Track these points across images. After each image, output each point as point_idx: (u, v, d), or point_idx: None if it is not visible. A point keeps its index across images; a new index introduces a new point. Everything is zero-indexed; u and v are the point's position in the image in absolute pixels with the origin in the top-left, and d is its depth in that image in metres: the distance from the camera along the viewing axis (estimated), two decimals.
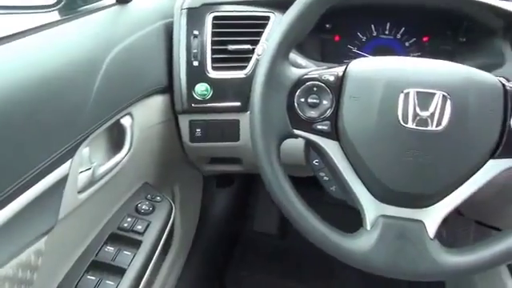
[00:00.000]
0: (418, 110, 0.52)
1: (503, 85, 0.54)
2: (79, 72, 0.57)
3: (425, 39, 0.89)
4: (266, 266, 1.33)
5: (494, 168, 0.54)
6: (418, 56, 0.89)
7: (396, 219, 0.55)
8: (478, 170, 0.54)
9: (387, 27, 0.89)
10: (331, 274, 1.22)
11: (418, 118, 0.52)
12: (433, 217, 0.55)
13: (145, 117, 0.73)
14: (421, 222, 0.55)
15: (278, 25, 0.55)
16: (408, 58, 0.58)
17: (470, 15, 0.80)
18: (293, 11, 0.54)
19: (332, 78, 0.56)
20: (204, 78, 0.77)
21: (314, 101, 0.56)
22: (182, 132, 0.81)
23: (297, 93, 0.56)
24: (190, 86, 0.77)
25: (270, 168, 0.55)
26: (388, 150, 0.54)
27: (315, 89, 0.56)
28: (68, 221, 0.56)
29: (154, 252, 0.70)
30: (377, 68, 0.56)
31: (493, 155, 0.54)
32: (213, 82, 0.77)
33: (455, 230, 1.14)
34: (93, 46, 0.61)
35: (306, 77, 0.56)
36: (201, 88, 0.77)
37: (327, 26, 0.87)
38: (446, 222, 1.21)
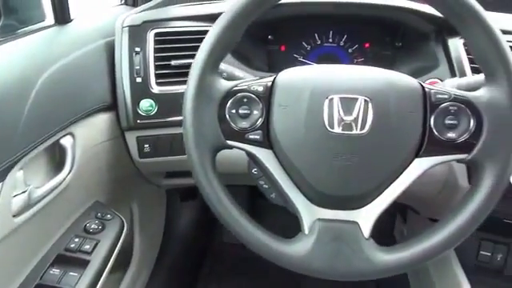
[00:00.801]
0: (342, 115, 0.54)
1: (422, 87, 0.56)
2: (10, 94, 0.57)
3: (366, 45, 0.92)
4: (235, 277, 1.33)
5: (419, 167, 0.56)
6: (362, 62, 0.93)
7: (332, 222, 0.56)
8: (404, 169, 0.56)
9: (330, 35, 0.92)
10: (298, 279, 1.23)
11: (342, 122, 0.54)
12: (367, 217, 0.57)
13: (89, 135, 0.73)
14: (355, 223, 0.56)
15: (204, 40, 0.56)
16: (333, 65, 0.60)
17: (403, 21, 0.84)
18: (217, 26, 0.56)
19: (261, 89, 0.57)
20: (148, 94, 0.78)
21: (245, 111, 0.57)
22: (130, 149, 0.81)
23: (227, 104, 0.57)
24: (135, 102, 0.77)
25: (206, 180, 0.56)
26: (317, 155, 0.55)
27: (245, 100, 0.57)
28: (4, 246, 0.55)
29: (103, 270, 0.69)
30: (303, 77, 0.58)
31: (417, 154, 0.56)
32: (157, 98, 0.78)
33: (413, 228, 1.18)
34: (26, 67, 0.61)
35: (235, 88, 0.57)
36: (145, 104, 0.77)
37: (270, 37, 0.89)
38: (405, 220, 1.24)
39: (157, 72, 0.78)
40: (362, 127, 0.54)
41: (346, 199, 0.57)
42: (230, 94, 0.57)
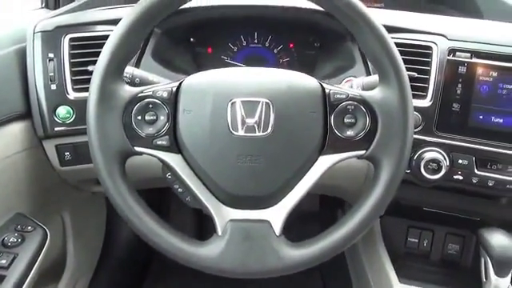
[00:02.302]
0: (245, 117, 0.56)
1: (322, 87, 0.59)
2: None
3: (291, 46, 0.94)
4: (182, 282, 1.32)
5: (324, 164, 0.58)
6: (287, 62, 0.95)
7: (243, 222, 0.58)
8: (310, 167, 0.58)
9: (255, 36, 0.93)
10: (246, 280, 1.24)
11: (245, 125, 0.56)
12: (277, 215, 0.58)
13: (1, 146, 0.70)
14: (266, 221, 0.58)
15: (104, 46, 0.56)
16: (236, 68, 0.61)
17: (320, 23, 0.86)
18: (115, 33, 0.55)
19: (166, 94, 0.58)
20: (65, 101, 0.76)
21: (151, 117, 0.57)
22: (50, 157, 0.79)
23: (133, 111, 0.57)
24: (50, 110, 0.75)
25: (115, 189, 0.56)
26: (223, 158, 0.56)
27: (151, 106, 0.57)
28: None
29: (22, 285, 0.67)
30: (206, 81, 0.59)
31: (321, 153, 0.58)
32: (74, 104, 0.76)
33: None
34: None
35: (140, 95, 0.57)
36: (62, 111, 0.75)
37: (192, 39, 0.89)
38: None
39: (73, 78, 0.76)
40: (265, 129, 0.56)
41: (256, 199, 0.58)
42: (135, 100, 0.57)
